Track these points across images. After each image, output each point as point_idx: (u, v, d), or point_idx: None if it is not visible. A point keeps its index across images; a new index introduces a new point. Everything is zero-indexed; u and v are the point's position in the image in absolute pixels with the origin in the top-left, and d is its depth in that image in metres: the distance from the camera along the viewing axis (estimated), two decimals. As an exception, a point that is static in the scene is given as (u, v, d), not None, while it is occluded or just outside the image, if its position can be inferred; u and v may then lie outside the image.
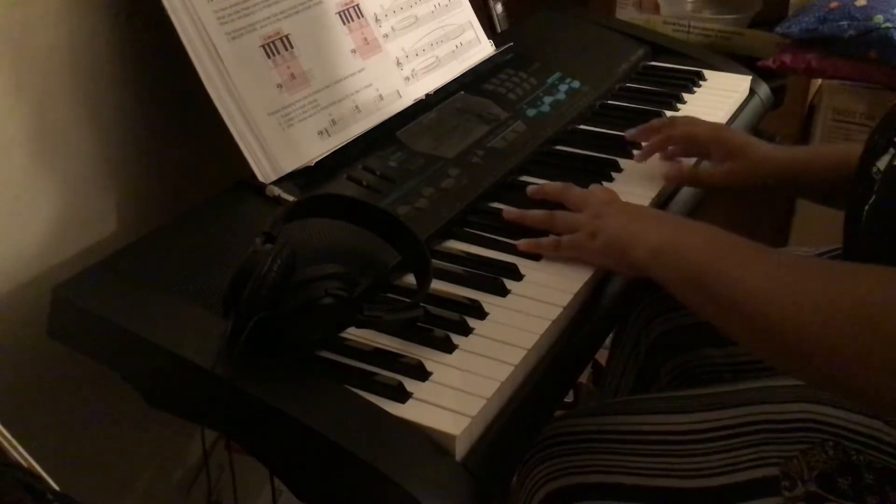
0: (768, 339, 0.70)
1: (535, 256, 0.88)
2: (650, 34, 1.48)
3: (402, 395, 0.70)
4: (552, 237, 0.89)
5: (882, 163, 0.78)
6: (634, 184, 1.04)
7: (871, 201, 0.78)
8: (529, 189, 0.96)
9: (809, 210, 1.74)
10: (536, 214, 0.91)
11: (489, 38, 1.26)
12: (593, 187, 0.97)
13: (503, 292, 0.83)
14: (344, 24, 1.05)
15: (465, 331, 0.77)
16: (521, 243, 0.89)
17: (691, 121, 1.09)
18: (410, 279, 0.84)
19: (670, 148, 1.08)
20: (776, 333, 0.68)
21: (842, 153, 0.96)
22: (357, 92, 1.03)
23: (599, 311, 0.87)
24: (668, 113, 1.22)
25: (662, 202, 1.04)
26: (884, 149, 0.79)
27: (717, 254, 0.76)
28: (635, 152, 1.09)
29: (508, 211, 0.93)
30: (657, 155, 1.08)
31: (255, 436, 0.72)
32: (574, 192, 0.93)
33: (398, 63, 1.10)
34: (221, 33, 0.92)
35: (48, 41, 0.86)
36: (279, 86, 0.95)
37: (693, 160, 1.09)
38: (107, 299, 0.78)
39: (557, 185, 0.95)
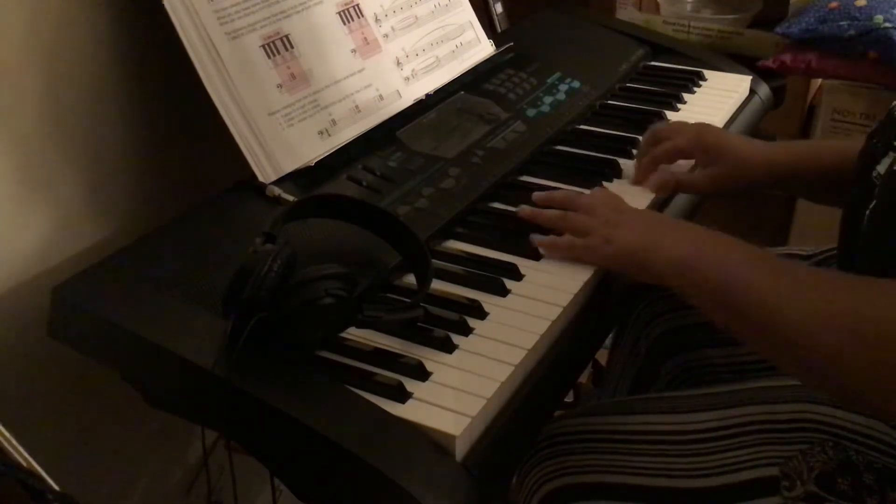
0: (797, 356, 0.70)
1: (535, 256, 0.88)
2: (650, 34, 1.48)
3: (402, 395, 0.70)
4: (569, 237, 0.88)
5: (882, 167, 0.78)
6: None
7: (871, 206, 0.78)
8: (536, 196, 0.95)
9: (809, 210, 1.74)
10: (550, 214, 0.91)
11: (489, 38, 1.26)
12: (597, 190, 0.96)
13: (503, 292, 0.83)
14: (344, 24, 1.05)
15: (465, 331, 0.77)
16: (540, 240, 0.88)
17: (674, 130, 1.05)
18: (410, 279, 0.84)
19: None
20: (806, 351, 0.68)
21: (833, 155, 0.95)
22: (357, 92, 1.03)
23: (599, 311, 0.87)
24: (668, 113, 1.22)
25: (661, 203, 1.04)
26: (883, 153, 0.79)
27: (741, 268, 0.75)
28: (636, 152, 1.09)
29: (522, 209, 0.93)
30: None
31: (255, 436, 0.72)
32: (583, 199, 0.92)
33: (398, 63, 1.10)
34: (221, 33, 0.92)
35: (51, 40, 0.86)
36: (279, 86, 0.95)
37: (688, 166, 1.08)
38: (107, 299, 0.78)
39: (566, 192, 0.95)
